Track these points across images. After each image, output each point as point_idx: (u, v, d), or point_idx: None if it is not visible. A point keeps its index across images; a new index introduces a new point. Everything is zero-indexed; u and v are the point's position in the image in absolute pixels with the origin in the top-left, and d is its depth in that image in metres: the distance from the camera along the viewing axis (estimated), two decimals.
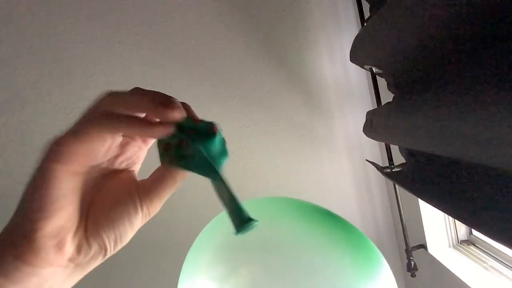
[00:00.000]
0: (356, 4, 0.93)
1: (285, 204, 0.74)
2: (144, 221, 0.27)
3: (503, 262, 0.81)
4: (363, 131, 0.90)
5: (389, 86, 0.79)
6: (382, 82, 0.87)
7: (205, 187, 1.13)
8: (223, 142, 0.28)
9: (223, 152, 0.28)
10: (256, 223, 0.26)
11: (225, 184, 0.26)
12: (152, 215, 0.28)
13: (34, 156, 1.00)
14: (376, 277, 0.59)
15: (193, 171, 0.27)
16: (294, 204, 0.73)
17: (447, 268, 0.91)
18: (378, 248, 0.67)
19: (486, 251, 0.88)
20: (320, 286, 0.56)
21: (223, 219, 0.71)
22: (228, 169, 1.12)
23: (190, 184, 1.11)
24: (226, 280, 0.58)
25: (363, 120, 0.90)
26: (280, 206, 0.73)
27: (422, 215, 1.01)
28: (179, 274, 0.67)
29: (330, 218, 0.69)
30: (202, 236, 0.70)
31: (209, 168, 0.26)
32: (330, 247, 0.62)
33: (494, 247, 0.85)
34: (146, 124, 0.24)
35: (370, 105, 1.19)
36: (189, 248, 0.70)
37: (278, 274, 0.57)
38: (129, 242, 0.27)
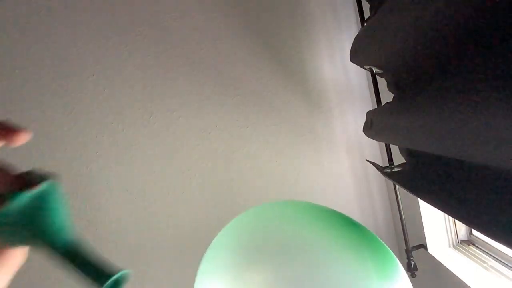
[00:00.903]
0: (356, 4, 0.93)
1: (302, 208, 0.73)
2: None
3: (503, 262, 0.81)
4: (363, 131, 0.90)
5: (389, 86, 0.79)
6: (382, 82, 0.87)
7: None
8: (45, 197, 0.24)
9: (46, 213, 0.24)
10: (122, 274, 0.23)
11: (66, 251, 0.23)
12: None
13: (35, 157, 1.01)
14: (395, 284, 0.58)
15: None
16: (312, 208, 0.72)
17: (447, 268, 0.91)
18: None
19: (486, 251, 0.88)
20: None
21: (242, 220, 0.70)
22: (228, 170, 1.13)
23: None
24: (239, 284, 0.58)
25: (363, 120, 0.90)
26: (297, 210, 0.72)
27: (422, 215, 1.01)
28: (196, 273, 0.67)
29: (347, 223, 0.68)
30: (221, 237, 0.69)
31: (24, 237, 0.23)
32: (348, 253, 0.60)
33: (494, 247, 0.85)
34: None
35: (370, 105, 1.19)
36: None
37: (294, 279, 0.56)
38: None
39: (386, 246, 0.66)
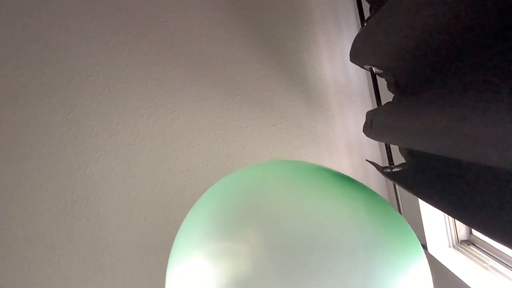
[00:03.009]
0: (356, 4, 0.93)
1: (299, 167, 0.58)
2: None
3: (503, 262, 0.81)
4: (363, 131, 0.90)
5: (389, 86, 0.79)
6: (382, 82, 0.87)
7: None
8: None
9: None
10: None
11: None
12: None
13: (35, 157, 1.00)
14: (415, 263, 0.47)
15: None
16: (310, 168, 0.58)
17: (447, 268, 0.91)
18: None
19: (486, 251, 0.88)
20: (343, 274, 0.41)
21: (222, 187, 0.59)
22: (228, 170, 1.13)
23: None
24: (222, 258, 0.47)
25: (363, 120, 0.90)
26: (293, 169, 0.58)
27: (422, 215, 1.01)
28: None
29: (356, 186, 0.54)
30: (197, 207, 0.58)
31: None
32: (357, 220, 0.47)
33: (494, 247, 0.85)
34: None
35: (370, 105, 1.19)
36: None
37: (287, 253, 0.43)
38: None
39: (403, 218, 0.55)
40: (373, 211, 0.51)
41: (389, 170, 0.83)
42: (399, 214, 0.55)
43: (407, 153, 0.79)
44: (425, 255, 0.52)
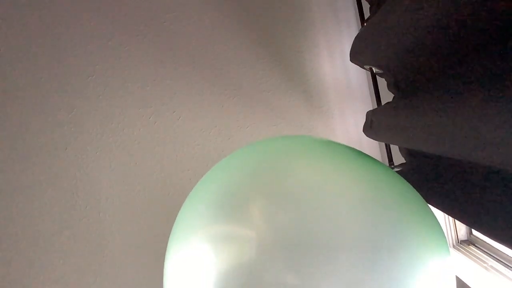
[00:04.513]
0: (356, 4, 0.93)
1: (315, 143, 0.52)
2: None
3: (503, 262, 0.81)
4: (363, 131, 0.90)
5: (389, 86, 0.79)
6: (382, 82, 0.87)
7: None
8: None
9: None
10: None
11: None
12: None
13: (35, 157, 1.00)
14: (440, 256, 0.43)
15: None
16: (326, 144, 0.51)
17: None
18: None
19: (486, 251, 0.88)
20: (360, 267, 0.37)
21: (226, 165, 0.53)
22: None
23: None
24: (225, 241, 0.43)
25: (363, 120, 0.90)
26: (303, 144, 0.52)
27: None
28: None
29: (376, 166, 0.48)
30: (199, 188, 0.54)
31: None
32: (379, 204, 0.42)
33: (494, 247, 0.85)
34: None
35: (370, 105, 1.19)
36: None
37: (296, 242, 0.38)
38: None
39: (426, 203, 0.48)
40: (396, 198, 0.45)
41: None
42: (426, 204, 0.49)
43: (407, 153, 0.79)
44: (451, 259, 0.46)
